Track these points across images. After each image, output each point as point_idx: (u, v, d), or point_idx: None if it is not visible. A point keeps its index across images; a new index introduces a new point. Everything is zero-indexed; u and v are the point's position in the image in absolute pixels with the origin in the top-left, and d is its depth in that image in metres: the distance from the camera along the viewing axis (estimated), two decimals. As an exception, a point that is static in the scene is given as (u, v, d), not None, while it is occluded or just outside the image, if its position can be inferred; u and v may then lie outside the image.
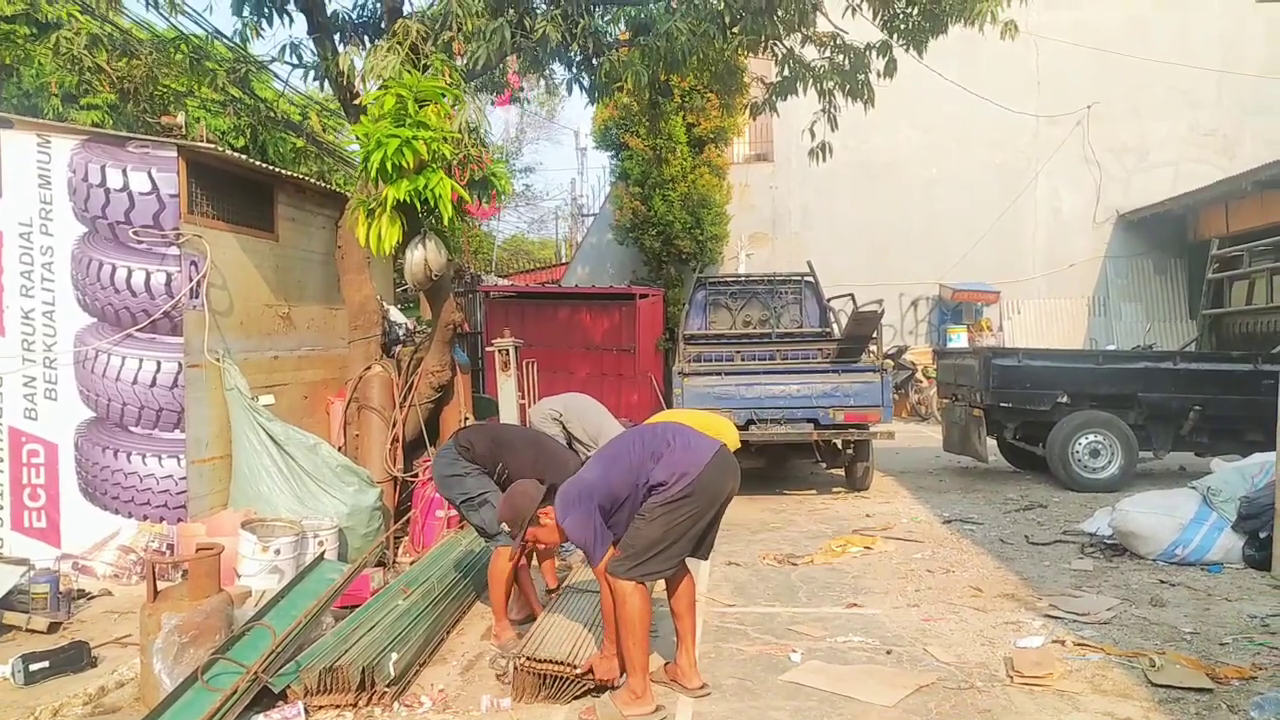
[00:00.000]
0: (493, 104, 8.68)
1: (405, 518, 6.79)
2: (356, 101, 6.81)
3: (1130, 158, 18.64)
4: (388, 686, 3.96)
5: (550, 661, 3.97)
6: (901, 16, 8.33)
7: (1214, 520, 6.03)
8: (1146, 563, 6.11)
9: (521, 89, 10.15)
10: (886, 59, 8.49)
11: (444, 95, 5.80)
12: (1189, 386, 9.02)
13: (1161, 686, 3.97)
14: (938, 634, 4.80)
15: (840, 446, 9.27)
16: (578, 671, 3.97)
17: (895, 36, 8.47)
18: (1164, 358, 9.63)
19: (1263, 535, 5.80)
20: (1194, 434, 9.08)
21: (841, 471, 9.57)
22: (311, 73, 7.70)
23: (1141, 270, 18.65)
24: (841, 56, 8.68)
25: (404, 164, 5.50)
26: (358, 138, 5.86)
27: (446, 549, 6.04)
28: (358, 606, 4.86)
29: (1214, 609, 5.13)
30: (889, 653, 4.53)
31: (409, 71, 5.81)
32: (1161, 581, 5.68)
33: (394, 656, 4.09)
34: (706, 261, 17.55)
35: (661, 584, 4.10)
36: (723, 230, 17.71)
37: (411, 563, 6.10)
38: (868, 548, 6.77)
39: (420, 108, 5.65)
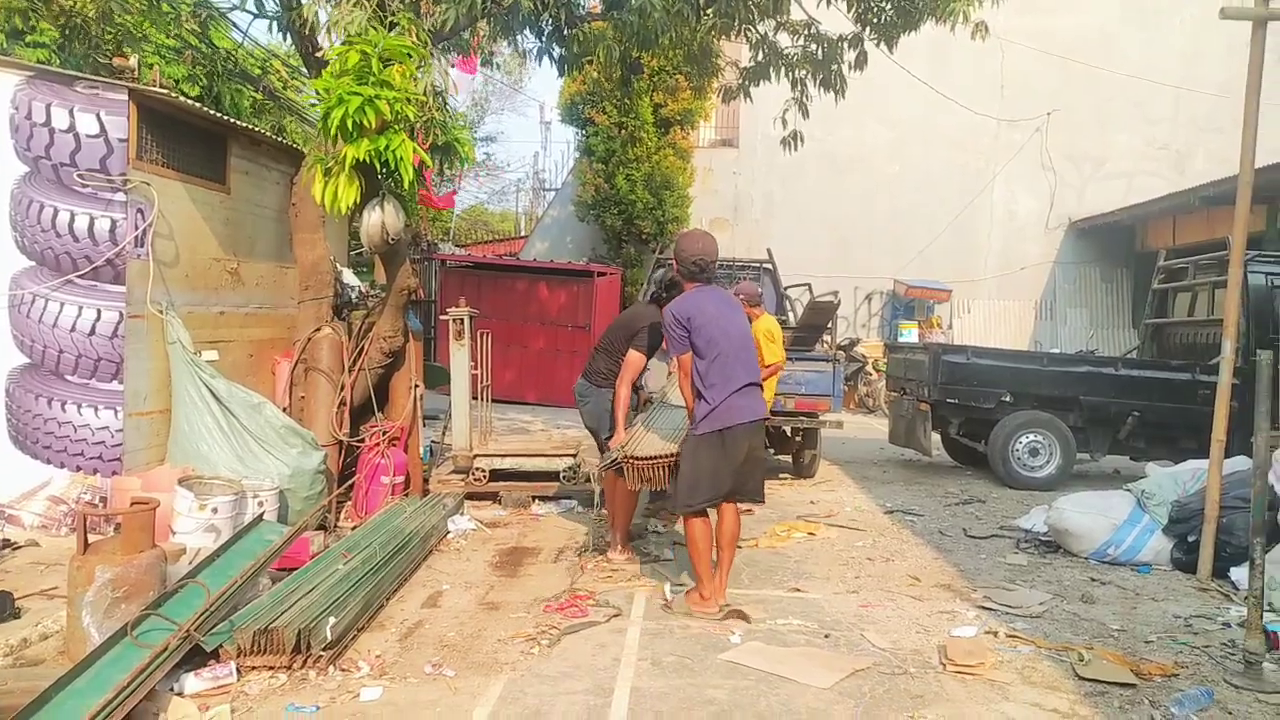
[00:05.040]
0: (452, 65, 8.49)
1: (349, 483, 6.69)
2: (319, 54, 6.63)
3: (1086, 166, 19.01)
4: (324, 650, 3.91)
5: (648, 457, 5.08)
6: (875, 10, 8.35)
7: (1146, 522, 6.18)
8: (1079, 560, 6.27)
9: (493, 54, 9.97)
10: (858, 51, 8.51)
11: (410, 55, 5.67)
12: (1129, 392, 9.24)
13: (1088, 680, 4.07)
14: (875, 620, 4.88)
15: (789, 433, 9.35)
16: (673, 457, 5.00)
17: (868, 30, 8.49)
18: (1106, 363, 9.85)
19: (1191, 539, 5.96)
20: (1131, 438, 9.31)
21: (789, 458, 9.65)
22: (274, 24, 7.47)
23: (1089, 277, 19.06)
24: (815, 46, 8.68)
25: (365, 123, 5.37)
26: (318, 93, 5.70)
27: (390, 516, 5.97)
28: (296, 569, 4.79)
29: (1141, 608, 5.28)
30: (827, 636, 4.60)
31: (375, 28, 5.67)
32: (1093, 579, 5.83)
33: (331, 620, 4.03)
34: (666, 243, 17.52)
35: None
36: (684, 213, 17.69)
37: (353, 528, 6.02)
38: (811, 534, 6.84)
39: (385, 66, 5.51)
